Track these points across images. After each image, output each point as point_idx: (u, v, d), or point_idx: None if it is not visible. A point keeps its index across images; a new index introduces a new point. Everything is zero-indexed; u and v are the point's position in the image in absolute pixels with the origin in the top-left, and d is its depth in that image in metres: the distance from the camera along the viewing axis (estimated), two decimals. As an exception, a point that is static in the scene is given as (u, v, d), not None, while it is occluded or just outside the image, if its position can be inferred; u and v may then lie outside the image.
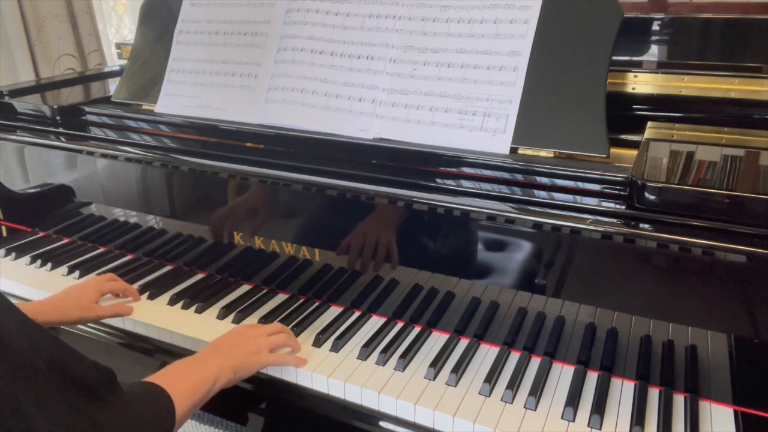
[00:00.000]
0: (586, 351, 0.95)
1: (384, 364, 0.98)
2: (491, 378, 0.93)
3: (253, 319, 1.11)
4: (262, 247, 1.16)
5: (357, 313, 1.12)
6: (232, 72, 1.24)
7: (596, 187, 0.90)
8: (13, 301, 0.74)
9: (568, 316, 0.94)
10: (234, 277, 1.24)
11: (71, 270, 1.28)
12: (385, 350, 0.99)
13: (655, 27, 1.18)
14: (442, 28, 1.06)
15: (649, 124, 1.05)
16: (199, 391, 0.84)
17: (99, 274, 1.25)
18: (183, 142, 1.23)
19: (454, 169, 0.99)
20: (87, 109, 1.35)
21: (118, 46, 1.85)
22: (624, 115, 1.12)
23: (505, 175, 0.96)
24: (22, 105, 1.40)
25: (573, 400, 0.88)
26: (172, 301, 1.16)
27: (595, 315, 0.92)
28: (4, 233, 1.50)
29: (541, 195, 0.91)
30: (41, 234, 1.45)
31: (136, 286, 1.21)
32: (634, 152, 0.94)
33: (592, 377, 0.94)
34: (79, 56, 2.49)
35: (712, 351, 0.85)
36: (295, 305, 1.14)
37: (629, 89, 1.12)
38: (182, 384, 0.82)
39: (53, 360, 0.62)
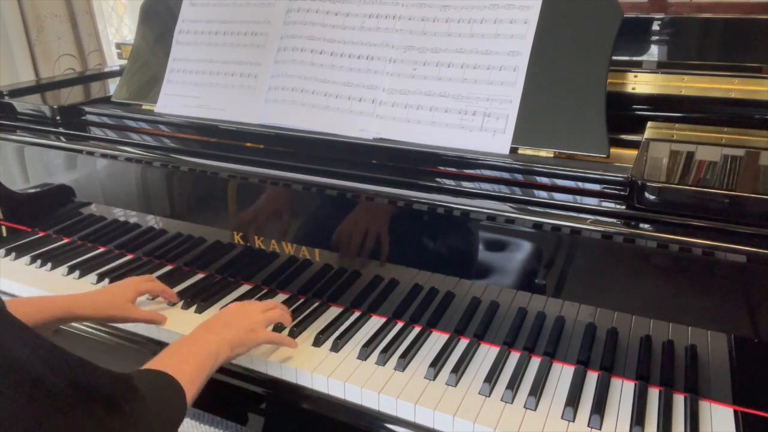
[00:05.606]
0: (586, 351, 0.95)
1: (384, 364, 0.98)
2: (491, 378, 0.93)
3: (253, 319, 1.11)
4: (262, 247, 1.16)
5: (357, 313, 1.12)
6: (232, 72, 1.24)
7: (596, 187, 0.90)
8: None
9: (568, 316, 0.94)
10: (234, 277, 1.24)
11: (71, 270, 1.28)
12: (385, 350, 0.99)
13: (655, 27, 1.18)
14: (442, 28, 1.06)
15: (649, 124, 1.05)
16: (203, 371, 0.83)
17: (99, 274, 1.25)
18: (183, 142, 1.23)
19: (454, 169, 0.99)
20: (87, 109, 1.35)
21: (118, 46, 1.86)
22: (624, 115, 1.12)
23: (505, 175, 0.96)
24: (22, 105, 1.40)
25: (573, 400, 0.88)
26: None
27: (595, 315, 0.92)
28: (4, 233, 1.50)
29: (541, 195, 0.91)
30: (41, 234, 1.45)
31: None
32: (634, 152, 0.94)
33: (592, 377, 0.94)
34: (79, 56, 2.49)
35: (712, 351, 0.85)
36: (295, 305, 1.14)
37: (629, 89, 1.11)
38: (187, 367, 0.80)
39: (72, 378, 0.60)
